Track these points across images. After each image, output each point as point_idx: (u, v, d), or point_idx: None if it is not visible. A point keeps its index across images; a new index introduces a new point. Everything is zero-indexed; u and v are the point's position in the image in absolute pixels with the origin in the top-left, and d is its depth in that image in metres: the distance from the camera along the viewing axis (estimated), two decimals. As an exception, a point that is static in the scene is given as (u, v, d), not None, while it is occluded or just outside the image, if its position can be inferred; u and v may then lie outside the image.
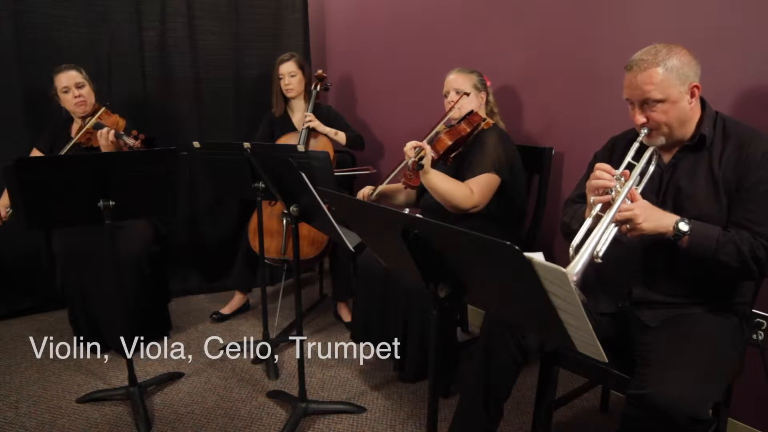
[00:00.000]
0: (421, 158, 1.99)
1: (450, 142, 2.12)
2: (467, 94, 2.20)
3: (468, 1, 2.66)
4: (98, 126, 2.56)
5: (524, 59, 2.46)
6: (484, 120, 2.20)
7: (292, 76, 2.89)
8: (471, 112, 2.19)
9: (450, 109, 2.20)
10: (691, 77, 1.42)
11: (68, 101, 2.58)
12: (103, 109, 2.61)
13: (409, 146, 2.02)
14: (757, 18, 1.72)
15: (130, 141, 2.51)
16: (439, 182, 2.05)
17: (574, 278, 1.26)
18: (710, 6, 1.83)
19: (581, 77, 2.25)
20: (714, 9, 1.82)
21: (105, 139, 2.49)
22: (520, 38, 2.46)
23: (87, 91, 2.60)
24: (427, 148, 2.01)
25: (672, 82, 1.40)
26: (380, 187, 2.23)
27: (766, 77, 1.72)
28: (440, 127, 2.20)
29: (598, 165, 1.44)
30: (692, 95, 1.44)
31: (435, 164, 2.10)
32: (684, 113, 1.45)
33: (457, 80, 2.23)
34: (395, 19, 3.10)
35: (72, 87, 2.55)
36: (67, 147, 2.52)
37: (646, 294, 1.55)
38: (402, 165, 2.12)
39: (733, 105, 1.78)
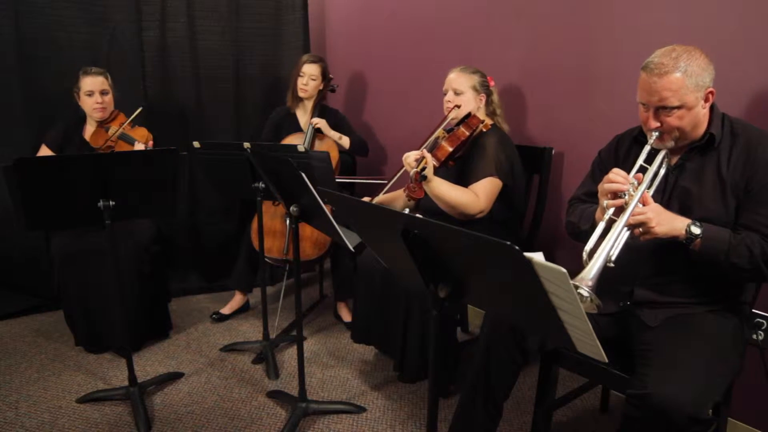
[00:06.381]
0: (423, 169, 1.98)
1: (451, 149, 2.11)
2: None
3: (468, 1, 2.66)
4: (125, 138, 2.57)
5: (524, 59, 2.46)
6: (483, 122, 2.19)
7: (313, 79, 2.90)
8: (468, 115, 2.18)
9: (447, 115, 2.20)
10: (708, 83, 1.40)
11: (88, 104, 2.59)
12: (128, 120, 2.62)
13: (411, 157, 2.01)
14: (758, 17, 1.72)
15: None
16: (445, 190, 2.05)
17: (590, 283, 1.25)
18: (711, 5, 1.83)
19: (581, 77, 2.25)
20: (714, 8, 1.82)
21: None
22: (520, 38, 2.46)
23: (109, 99, 2.63)
24: (428, 156, 2.00)
25: (690, 89, 1.38)
26: (377, 199, 2.18)
27: (766, 77, 1.73)
28: (439, 132, 2.19)
29: (613, 169, 1.42)
30: (706, 100, 1.43)
31: (436, 171, 2.08)
32: (698, 118, 1.44)
33: (456, 80, 2.23)
34: (396, 20, 3.10)
35: (97, 92, 2.57)
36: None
37: (649, 296, 1.55)
38: (400, 173, 2.10)
39: (732, 105, 1.77)
